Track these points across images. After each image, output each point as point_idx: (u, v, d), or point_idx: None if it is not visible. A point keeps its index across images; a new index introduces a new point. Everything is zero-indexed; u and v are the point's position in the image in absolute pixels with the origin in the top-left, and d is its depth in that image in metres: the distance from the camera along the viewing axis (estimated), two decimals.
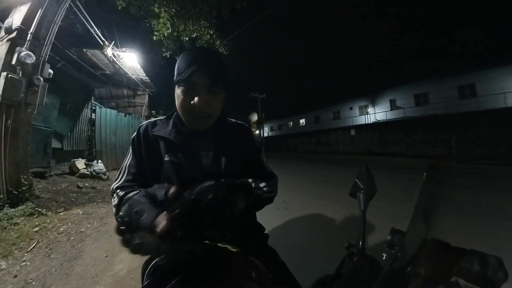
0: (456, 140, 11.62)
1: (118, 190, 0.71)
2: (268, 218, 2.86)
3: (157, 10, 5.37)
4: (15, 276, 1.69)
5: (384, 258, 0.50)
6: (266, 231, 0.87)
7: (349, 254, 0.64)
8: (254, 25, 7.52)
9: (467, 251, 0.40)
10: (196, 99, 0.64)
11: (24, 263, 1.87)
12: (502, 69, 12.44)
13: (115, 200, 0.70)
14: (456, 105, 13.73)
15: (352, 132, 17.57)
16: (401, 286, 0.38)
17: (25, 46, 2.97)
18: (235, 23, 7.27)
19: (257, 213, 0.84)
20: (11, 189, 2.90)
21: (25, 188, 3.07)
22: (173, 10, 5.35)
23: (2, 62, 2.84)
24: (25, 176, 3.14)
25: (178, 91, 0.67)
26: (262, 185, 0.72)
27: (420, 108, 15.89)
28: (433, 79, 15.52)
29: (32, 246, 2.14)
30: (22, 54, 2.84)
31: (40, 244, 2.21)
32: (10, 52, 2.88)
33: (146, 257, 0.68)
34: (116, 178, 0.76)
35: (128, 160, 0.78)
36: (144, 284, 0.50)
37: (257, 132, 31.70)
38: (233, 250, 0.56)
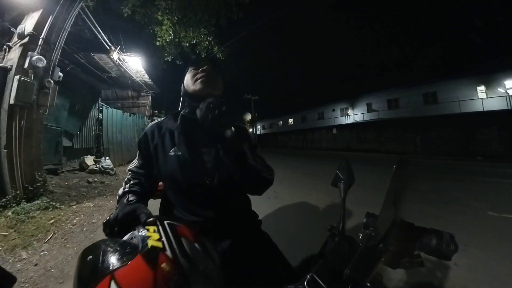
0: (420, 139, 12.07)
1: (129, 174, 0.81)
2: (261, 206, 2.87)
3: (160, 18, 5.22)
4: (36, 265, 1.65)
5: (360, 237, 0.51)
6: (259, 218, 0.87)
7: (331, 235, 0.65)
8: (249, 33, 7.48)
9: (427, 229, 0.42)
10: (201, 74, 0.72)
11: (42, 253, 1.83)
12: (458, 81, 13.11)
13: (124, 184, 0.78)
14: (421, 110, 14.17)
15: (334, 131, 17.77)
16: (374, 261, 0.39)
17: (36, 50, 2.83)
18: (232, 31, 7.19)
19: (251, 203, 0.86)
20: (26, 185, 2.79)
21: (39, 184, 2.95)
22: (175, 18, 5.21)
23: (15, 66, 2.71)
24: (39, 173, 3.01)
25: (188, 76, 0.75)
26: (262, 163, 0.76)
27: (392, 111, 16.26)
28: (403, 86, 15.96)
29: (49, 237, 2.08)
30: (34, 58, 2.71)
31: (56, 235, 2.16)
32: (22, 57, 2.74)
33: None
34: (132, 163, 0.85)
35: (138, 151, 0.82)
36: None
37: (251, 130, 31.55)
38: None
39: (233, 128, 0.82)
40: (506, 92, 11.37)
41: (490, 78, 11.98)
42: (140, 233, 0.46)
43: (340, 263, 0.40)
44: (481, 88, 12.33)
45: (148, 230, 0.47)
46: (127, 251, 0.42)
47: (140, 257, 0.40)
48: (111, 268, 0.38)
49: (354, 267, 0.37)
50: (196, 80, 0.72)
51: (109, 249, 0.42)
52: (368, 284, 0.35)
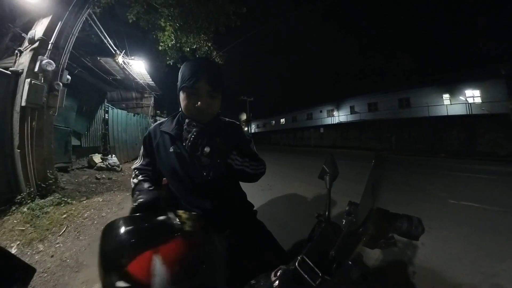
0: (395, 138, 12.43)
1: (136, 171, 0.78)
2: (256, 198, 2.87)
3: (163, 24, 5.08)
4: (52, 256, 1.62)
5: (344, 223, 0.52)
6: (254, 208, 0.87)
7: (318, 222, 0.66)
8: (246, 40, 7.41)
9: (399, 215, 0.44)
10: (199, 103, 0.63)
11: (58, 245, 1.78)
12: (427, 88, 13.60)
13: (134, 177, 0.75)
14: (396, 113, 14.56)
15: (321, 130, 17.92)
16: (355, 243, 0.41)
17: (46, 55, 2.69)
18: (229, 37, 7.12)
19: (247, 194, 0.87)
20: (39, 182, 2.68)
21: (51, 181, 2.84)
22: (177, 24, 5.07)
23: (26, 70, 2.57)
24: (50, 171, 2.90)
25: (182, 95, 0.65)
26: (247, 161, 0.71)
27: (371, 113, 16.54)
28: (382, 92, 16.22)
29: (63, 231, 2.03)
30: (44, 62, 2.58)
31: (69, 228, 2.10)
32: (33, 61, 2.60)
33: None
34: (136, 162, 0.82)
35: (142, 151, 0.81)
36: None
37: (246, 129, 31.07)
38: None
39: (227, 126, 0.81)
40: (466, 100, 12.03)
41: (453, 87, 12.56)
42: (174, 217, 0.46)
43: (326, 245, 0.41)
44: (446, 96, 12.92)
45: (180, 216, 0.47)
46: (166, 231, 0.41)
47: (180, 237, 0.40)
48: (151, 244, 0.37)
49: (338, 249, 0.39)
50: (191, 110, 0.65)
51: (142, 226, 0.42)
52: (350, 263, 0.37)
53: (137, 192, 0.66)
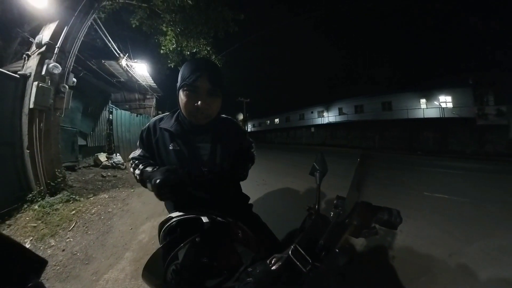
0: (378, 137, 12.73)
1: (135, 160, 0.69)
2: (252, 192, 2.85)
3: (164, 29, 4.97)
4: (63, 250, 1.60)
5: (332, 215, 0.53)
6: (250, 202, 0.86)
7: (309, 214, 0.66)
8: (243, 44, 7.35)
9: (381, 207, 0.45)
10: (199, 102, 0.58)
11: (68, 240, 1.75)
12: (407, 94, 14.03)
13: (132, 167, 0.68)
14: (379, 115, 14.87)
15: (312, 129, 18.07)
16: (342, 232, 0.41)
17: (53, 58, 2.59)
18: (228, 42, 7.06)
19: (243, 188, 0.85)
20: (48, 181, 2.60)
21: (60, 180, 2.76)
22: (178, 29, 4.97)
23: (33, 73, 2.47)
24: (59, 170, 2.81)
25: (182, 94, 0.60)
26: (249, 166, 0.73)
27: (358, 115, 16.75)
28: (367, 96, 16.48)
29: (72, 226, 1.99)
30: (51, 65, 2.48)
31: (78, 224, 2.06)
32: (40, 64, 2.50)
33: (162, 219, 0.63)
34: (134, 152, 0.73)
35: (139, 143, 0.73)
36: (160, 245, 0.48)
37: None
38: (230, 220, 0.53)
39: (225, 123, 0.77)
40: (439, 104, 12.60)
41: (429, 93, 13.05)
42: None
43: (316, 235, 0.41)
44: (423, 101, 13.40)
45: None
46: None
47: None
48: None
49: (327, 238, 0.39)
50: (191, 109, 0.60)
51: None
52: (337, 250, 0.38)
53: (149, 175, 0.56)
